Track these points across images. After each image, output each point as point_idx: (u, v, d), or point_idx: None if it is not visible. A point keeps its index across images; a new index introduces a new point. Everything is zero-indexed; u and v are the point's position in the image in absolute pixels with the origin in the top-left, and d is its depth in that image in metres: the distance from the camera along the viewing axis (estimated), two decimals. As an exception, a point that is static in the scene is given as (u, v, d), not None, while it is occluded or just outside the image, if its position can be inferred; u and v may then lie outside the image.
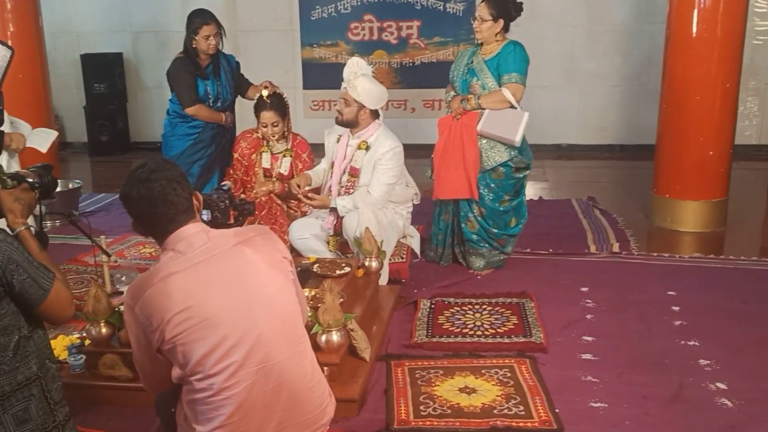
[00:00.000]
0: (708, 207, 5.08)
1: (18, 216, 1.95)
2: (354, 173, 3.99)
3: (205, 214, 2.80)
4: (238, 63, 4.72)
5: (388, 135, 3.97)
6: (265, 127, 4.22)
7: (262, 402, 1.89)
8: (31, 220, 2.03)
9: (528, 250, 4.69)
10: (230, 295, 1.87)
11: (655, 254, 4.64)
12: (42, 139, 4.21)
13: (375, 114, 3.99)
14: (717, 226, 5.10)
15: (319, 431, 2.05)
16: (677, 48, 4.94)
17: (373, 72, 4.01)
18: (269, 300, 1.92)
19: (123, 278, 4.13)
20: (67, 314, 1.84)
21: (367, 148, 3.95)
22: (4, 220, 1.92)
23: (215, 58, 4.51)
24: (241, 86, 4.69)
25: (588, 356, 3.29)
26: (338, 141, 4.09)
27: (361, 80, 3.87)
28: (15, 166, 3.84)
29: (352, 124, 3.97)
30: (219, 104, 4.56)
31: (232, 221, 2.93)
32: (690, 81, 4.89)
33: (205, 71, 4.49)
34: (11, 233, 1.88)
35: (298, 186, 3.98)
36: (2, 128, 3.62)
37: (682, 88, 4.94)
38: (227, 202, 2.90)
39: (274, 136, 4.24)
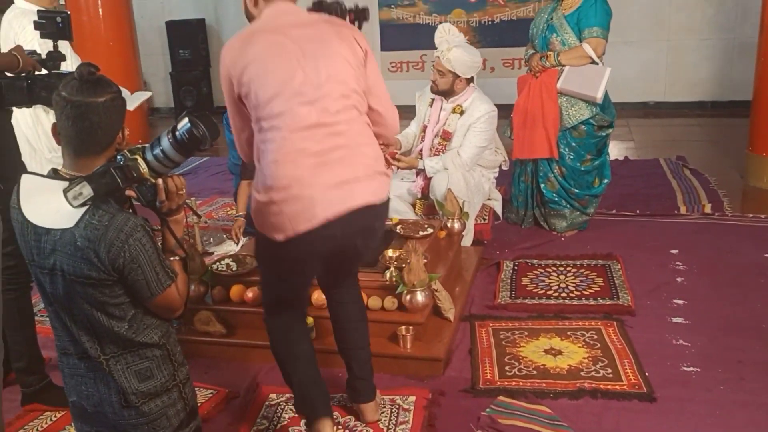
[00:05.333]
0: (809, 166, 4.83)
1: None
2: (447, 137, 3.97)
3: None
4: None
5: (483, 99, 3.94)
6: None
7: (318, 149, 2.09)
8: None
9: (614, 211, 4.57)
10: (303, 56, 2.09)
11: (751, 215, 4.44)
12: (132, 98, 4.25)
13: (470, 78, 3.95)
14: (818, 186, 4.85)
15: (375, 175, 2.19)
16: (778, -3, 4.67)
17: (466, 40, 3.96)
18: (335, 70, 2.12)
19: (211, 240, 4.27)
20: (168, 317, 1.84)
21: (462, 112, 3.93)
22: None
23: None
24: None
25: (679, 320, 3.20)
26: (431, 105, 4.07)
27: (453, 52, 3.85)
28: None
29: (447, 94, 3.96)
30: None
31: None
32: (792, 32, 4.63)
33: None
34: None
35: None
36: None
37: (782, 40, 4.67)
38: (344, 6, 2.56)
39: None
